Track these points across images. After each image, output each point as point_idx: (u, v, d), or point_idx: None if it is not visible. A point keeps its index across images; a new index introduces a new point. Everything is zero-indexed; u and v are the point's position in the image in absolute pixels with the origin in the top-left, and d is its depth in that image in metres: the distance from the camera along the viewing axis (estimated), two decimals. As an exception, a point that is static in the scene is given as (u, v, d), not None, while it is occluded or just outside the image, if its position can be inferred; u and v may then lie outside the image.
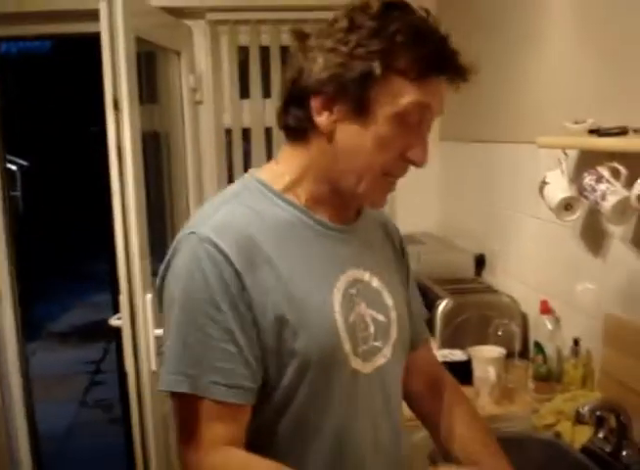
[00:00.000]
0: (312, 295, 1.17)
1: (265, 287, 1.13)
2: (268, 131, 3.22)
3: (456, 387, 1.53)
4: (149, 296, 2.29)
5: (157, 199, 2.79)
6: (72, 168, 10.39)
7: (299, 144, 1.21)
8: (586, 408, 1.69)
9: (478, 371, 2.15)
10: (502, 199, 2.72)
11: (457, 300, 2.48)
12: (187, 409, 1.14)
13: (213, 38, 3.13)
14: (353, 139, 1.15)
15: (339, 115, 1.14)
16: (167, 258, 1.18)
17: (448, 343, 2.38)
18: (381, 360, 1.26)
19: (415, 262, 2.63)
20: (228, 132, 3.22)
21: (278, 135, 3.20)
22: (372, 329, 1.25)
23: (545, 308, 2.28)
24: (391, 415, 1.31)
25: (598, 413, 1.78)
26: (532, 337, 2.36)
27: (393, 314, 1.30)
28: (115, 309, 2.43)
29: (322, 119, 1.15)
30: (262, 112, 3.20)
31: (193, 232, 1.14)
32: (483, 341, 2.30)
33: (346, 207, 1.27)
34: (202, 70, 3.13)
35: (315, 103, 1.14)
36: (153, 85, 2.87)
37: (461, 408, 1.46)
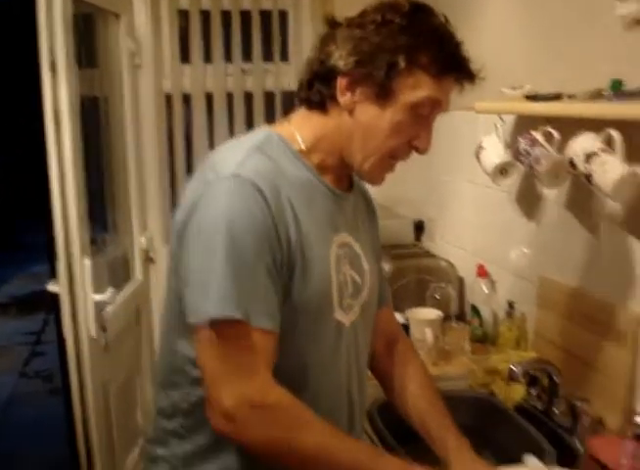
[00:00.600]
0: (317, 250, 1.26)
1: (288, 236, 1.21)
2: (209, 97, 3.19)
3: (411, 346, 1.63)
4: (87, 261, 2.26)
5: (95, 164, 2.74)
6: (6, 134, 10.09)
7: (317, 114, 1.31)
8: (519, 367, 1.74)
9: (415, 333, 2.19)
10: (440, 166, 2.75)
11: (396, 264, 2.52)
12: (235, 340, 1.16)
13: (153, 1, 3.07)
14: (370, 120, 1.26)
15: (361, 96, 1.25)
16: (201, 193, 1.20)
17: (390, 307, 2.41)
18: (354, 317, 1.36)
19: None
20: (168, 97, 3.18)
21: (220, 100, 3.18)
22: (351, 288, 1.35)
23: (481, 272, 2.32)
24: (360, 368, 1.43)
25: (531, 372, 1.84)
26: (469, 300, 2.41)
27: (367, 278, 1.41)
28: (54, 277, 2.40)
29: (345, 98, 1.26)
30: (203, 76, 3.17)
31: (235, 173, 1.18)
32: (422, 304, 2.35)
33: (346, 177, 1.38)
34: (141, 34, 3.06)
35: (341, 83, 1.25)
36: (91, 49, 2.81)
37: (414, 367, 1.56)
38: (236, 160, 1.22)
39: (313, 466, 1.21)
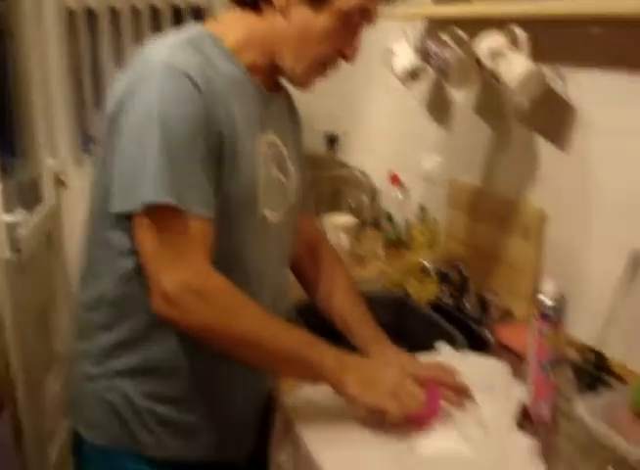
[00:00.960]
0: (246, 145, 1.27)
1: (219, 127, 1.21)
2: (113, 11, 3.10)
3: (337, 256, 1.68)
4: (-4, 180, 2.21)
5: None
6: None
7: (249, 14, 1.30)
8: (431, 263, 1.81)
9: (332, 239, 2.22)
10: (351, 77, 2.75)
11: (311, 175, 2.53)
12: (172, 226, 1.17)
13: None
14: (304, 23, 1.27)
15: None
16: (132, 84, 1.19)
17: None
18: (279, 216, 1.39)
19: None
20: (72, 13, 3.07)
21: (126, 15, 3.09)
22: (277, 188, 1.38)
23: (394, 180, 2.38)
24: (285, 265, 1.49)
25: (442, 269, 1.91)
26: (383, 207, 2.47)
27: (293, 180, 1.44)
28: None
29: (280, 0, 1.26)
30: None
31: (167, 63, 1.18)
32: (338, 213, 2.39)
33: (274, 79, 1.39)
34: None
35: None
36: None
37: (339, 274, 1.62)
38: (167, 50, 1.21)
39: (251, 349, 1.25)
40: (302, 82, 1.36)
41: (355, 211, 2.36)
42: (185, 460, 1.36)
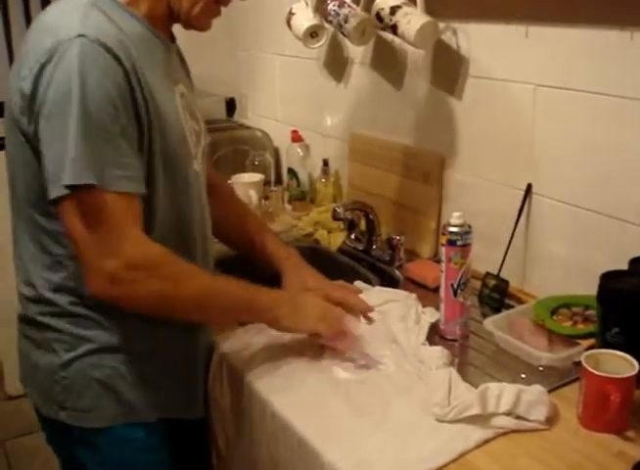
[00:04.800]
0: (166, 103, 1.30)
1: (141, 93, 1.21)
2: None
3: (232, 190, 1.80)
4: None
5: None
6: None
7: None
8: (341, 208, 1.91)
9: (241, 197, 2.29)
10: (247, 41, 2.82)
11: (212, 137, 2.58)
12: (99, 206, 1.17)
13: None
14: None
15: None
16: (45, 60, 1.16)
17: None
18: (200, 164, 1.45)
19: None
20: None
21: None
22: (194, 137, 1.42)
23: (296, 137, 2.47)
24: (207, 210, 1.52)
25: (350, 216, 2.02)
26: (285, 165, 2.55)
27: (202, 125, 1.49)
28: None
29: None
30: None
31: (81, 35, 1.15)
32: (242, 172, 2.46)
33: (170, 28, 1.40)
34: None
35: None
36: None
37: (239, 205, 1.75)
38: (75, 20, 1.18)
39: (198, 311, 1.32)
40: (201, 24, 1.38)
41: (260, 170, 2.44)
42: (168, 418, 1.43)
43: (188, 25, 1.38)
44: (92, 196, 1.17)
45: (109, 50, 1.16)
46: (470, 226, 1.49)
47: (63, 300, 1.31)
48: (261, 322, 1.42)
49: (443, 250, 1.50)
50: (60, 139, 1.15)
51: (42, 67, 1.16)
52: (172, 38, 1.43)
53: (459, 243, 1.48)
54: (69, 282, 1.30)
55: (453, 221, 1.49)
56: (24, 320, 1.39)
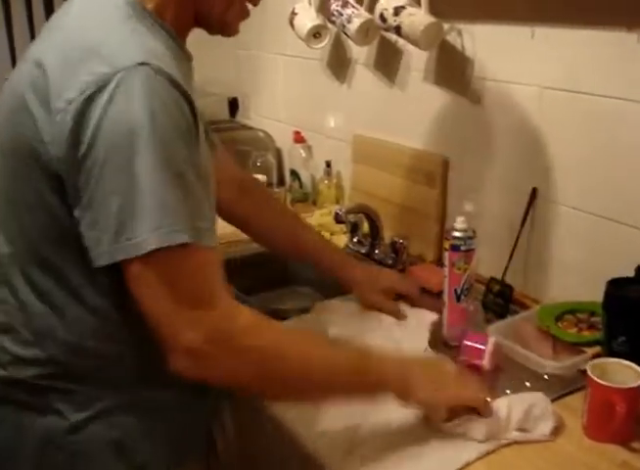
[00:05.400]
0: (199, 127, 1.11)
1: (196, 125, 1.03)
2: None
3: (262, 185, 1.79)
4: None
5: None
6: None
7: None
8: (343, 211, 1.89)
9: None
10: (251, 41, 2.79)
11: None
12: (185, 266, 0.98)
13: None
14: None
15: None
16: (93, 92, 0.95)
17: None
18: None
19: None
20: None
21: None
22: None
23: (298, 138, 2.45)
24: None
25: (352, 219, 2.00)
26: (288, 166, 2.53)
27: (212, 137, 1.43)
28: None
29: None
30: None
31: (143, 63, 0.96)
32: (245, 173, 2.44)
33: (188, 34, 1.22)
34: None
35: None
36: None
37: (280, 205, 1.76)
38: (126, 40, 1.01)
39: (298, 390, 1.12)
40: (233, 29, 1.23)
41: (262, 172, 2.41)
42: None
43: (216, 31, 1.22)
44: (180, 254, 0.96)
45: (176, 84, 0.98)
46: (474, 231, 1.47)
47: (78, 362, 1.11)
48: (384, 396, 1.16)
49: (447, 255, 1.48)
50: (126, 190, 0.94)
51: (89, 100, 0.95)
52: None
53: (463, 248, 1.46)
54: (88, 341, 1.10)
55: (457, 226, 1.47)
56: (9, 383, 1.13)
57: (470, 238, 1.46)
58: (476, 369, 1.40)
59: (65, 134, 0.96)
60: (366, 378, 1.14)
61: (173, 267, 0.97)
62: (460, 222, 1.47)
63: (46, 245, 1.06)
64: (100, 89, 0.95)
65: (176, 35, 1.13)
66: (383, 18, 1.78)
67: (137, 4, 1.07)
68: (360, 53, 2.15)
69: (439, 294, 1.58)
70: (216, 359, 1.01)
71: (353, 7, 1.92)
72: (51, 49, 1.04)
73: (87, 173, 0.95)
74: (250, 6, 1.23)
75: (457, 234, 1.46)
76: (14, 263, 1.10)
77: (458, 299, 1.49)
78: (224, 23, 1.20)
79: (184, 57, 1.17)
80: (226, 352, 1.01)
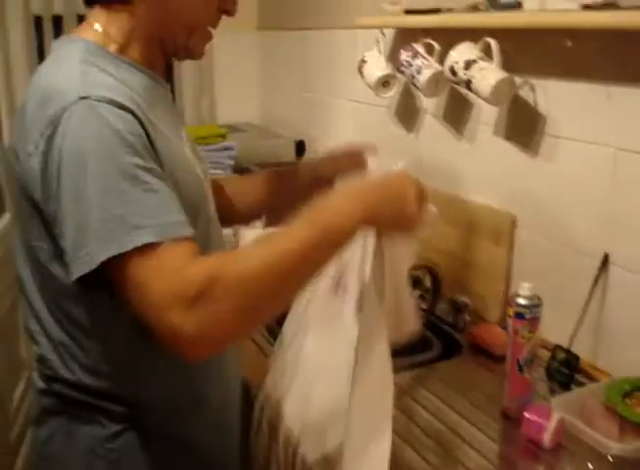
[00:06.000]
0: (180, 153, 1.20)
1: (156, 147, 1.09)
2: (81, 19, 3.07)
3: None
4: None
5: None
6: None
7: (119, 8, 1.18)
8: (405, 267, 1.84)
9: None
10: (320, 85, 2.80)
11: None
12: (155, 263, 1.00)
13: None
14: None
15: None
16: (50, 132, 1.03)
17: (274, 222, 2.46)
18: (213, 206, 1.34)
19: (238, 150, 2.69)
20: (38, 20, 3.05)
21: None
22: (207, 182, 1.32)
23: (364, 186, 2.40)
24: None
25: (414, 274, 1.95)
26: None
27: (206, 166, 1.39)
28: None
29: None
30: (74, -3, 3.05)
31: (84, 97, 1.03)
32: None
33: (163, 66, 1.30)
34: (5, -49, 2.92)
35: None
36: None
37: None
38: (74, 81, 1.07)
39: (287, 284, 1.08)
40: (199, 53, 1.29)
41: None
42: None
43: (182, 58, 1.32)
44: (148, 255, 1.00)
45: (119, 105, 1.05)
46: (539, 298, 1.40)
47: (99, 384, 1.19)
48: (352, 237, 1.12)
49: (510, 322, 1.42)
50: (81, 207, 1.01)
51: (49, 140, 1.03)
52: (165, 76, 1.33)
53: (527, 316, 1.40)
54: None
55: (522, 293, 1.40)
56: (60, 397, 1.22)
57: (535, 306, 1.40)
58: (535, 445, 1.33)
59: (37, 176, 1.06)
60: (322, 242, 1.08)
61: (138, 268, 1.00)
62: (525, 289, 1.40)
63: (55, 282, 1.14)
64: (55, 128, 1.03)
65: (146, 69, 1.21)
66: (453, 71, 1.74)
67: (98, 49, 1.16)
68: (429, 103, 2.10)
69: (501, 358, 1.52)
70: (208, 312, 0.99)
71: (423, 58, 1.88)
72: (28, 96, 1.13)
73: (58, 204, 1.03)
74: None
75: (522, 301, 1.40)
76: (38, 297, 1.20)
77: (521, 369, 1.42)
78: (188, 50, 1.27)
79: (159, 88, 1.25)
80: (204, 310, 0.99)
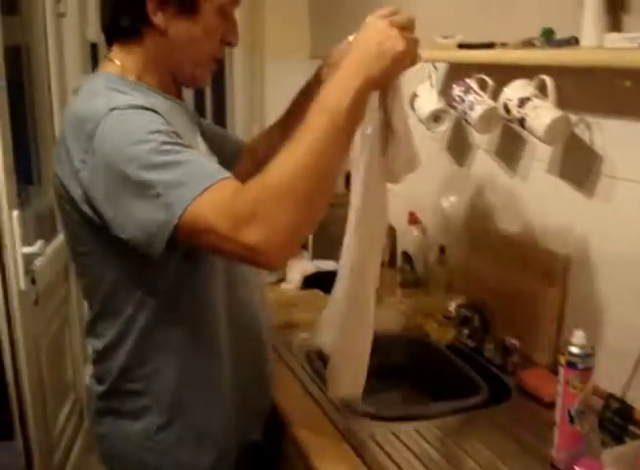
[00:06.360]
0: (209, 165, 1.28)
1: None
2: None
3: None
4: (15, 212, 2.21)
5: (19, 114, 2.66)
6: None
7: (133, 43, 1.36)
8: (452, 307, 1.80)
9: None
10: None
11: (328, 213, 2.53)
12: (214, 199, 1.15)
13: (76, -54, 2.98)
14: (187, 33, 1.35)
15: (171, 14, 1.33)
16: (88, 146, 1.21)
17: (321, 254, 2.45)
18: None
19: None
20: (94, 46, 3.10)
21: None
22: None
23: (413, 219, 2.38)
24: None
25: (462, 313, 1.91)
26: (400, 247, 2.46)
27: None
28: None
29: (157, 19, 1.33)
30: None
31: (113, 108, 1.21)
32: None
33: (178, 91, 1.47)
34: (64, -19, 2.97)
35: (150, 5, 1.31)
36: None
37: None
38: (101, 101, 1.25)
39: (317, 173, 1.16)
40: (203, 81, 1.46)
41: (373, 251, 2.36)
42: None
43: (191, 86, 1.51)
44: (205, 198, 1.15)
45: (143, 107, 1.23)
46: (593, 348, 1.35)
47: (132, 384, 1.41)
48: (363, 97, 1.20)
49: (561, 371, 1.36)
50: (146, 178, 1.17)
51: (91, 151, 1.21)
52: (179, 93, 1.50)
53: (580, 366, 1.34)
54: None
55: (575, 341, 1.35)
56: (108, 394, 1.44)
57: (588, 356, 1.34)
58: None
59: (87, 184, 1.23)
60: (334, 121, 1.16)
61: (200, 211, 1.14)
62: (578, 337, 1.35)
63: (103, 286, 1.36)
64: (93, 139, 1.20)
65: (162, 91, 1.39)
66: (506, 108, 1.70)
67: (118, 78, 1.34)
68: (482, 138, 2.07)
69: (551, 405, 1.46)
70: (264, 215, 1.12)
71: (476, 93, 1.85)
72: (64, 124, 1.32)
73: (100, 200, 1.22)
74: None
75: (574, 350, 1.35)
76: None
77: (571, 420, 1.37)
78: (195, 79, 1.44)
79: (179, 108, 1.44)
80: (263, 221, 1.12)
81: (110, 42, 1.40)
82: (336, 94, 1.18)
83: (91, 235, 1.30)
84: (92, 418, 1.52)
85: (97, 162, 1.20)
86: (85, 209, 1.26)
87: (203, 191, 1.14)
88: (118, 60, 1.37)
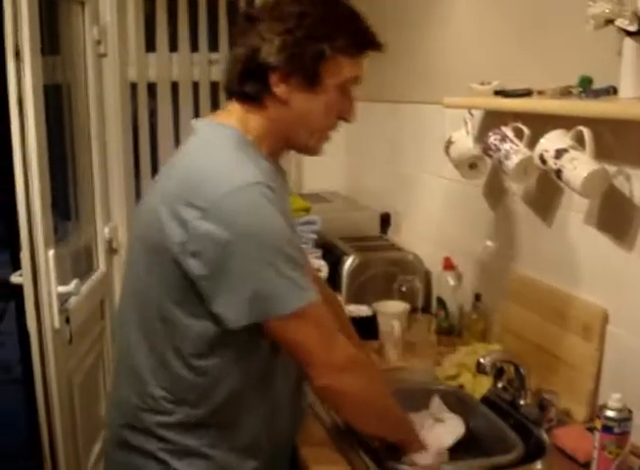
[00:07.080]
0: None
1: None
2: (174, 86, 3.17)
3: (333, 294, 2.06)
4: (51, 251, 2.22)
5: (58, 152, 2.70)
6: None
7: (255, 107, 1.45)
8: (487, 359, 1.75)
9: (382, 325, 2.20)
10: (408, 159, 2.76)
11: (363, 256, 2.52)
12: (319, 315, 1.39)
13: (118, -12, 3.04)
14: (307, 105, 1.43)
15: (294, 86, 1.40)
16: (219, 204, 1.29)
17: (354, 298, 2.42)
18: None
19: (322, 221, 2.67)
20: (133, 86, 3.15)
21: (185, 89, 3.17)
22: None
23: (448, 265, 2.34)
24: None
25: (498, 365, 1.86)
26: (435, 293, 2.43)
27: None
28: (15, 267, 2.36)
29: (280, 90, 1.40)
30: (169, 65, 3.15)
31: (259, 182, 1.32)
32: (388, 297, 2.36)
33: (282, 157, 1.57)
34: (106, 22, 3.02)
35: (274, 77, 1.40)
36: (55, 36, 2.76)
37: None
38: (232, 165, 1.36)
39: (378, 415, 1.56)
40: (318, 151, 1.54)
41: (407, 296, 2.33)
42: None
43: (303, 153, 1.60)
44: (313, 308, 1.36)
45: (273, 189, 1.35)
46: (630, 411, 1.31)
47: (182, 411, 1.43)
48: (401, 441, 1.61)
49: (597, 435, 1.32)
50: (272, 273, 1.31)
51: (218, 209, 1.29)
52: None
53: (616, 430, 1.30)
54: (189, 395, 1.42)
55: (611, 404, 1.32)
56: (132, 429, 1.47)
57: (625, 420, 1.30)
58: None
59: (198, 236, 1.30)
60: (401, 428, 1.61)
61: (313, 316, 1.37)
62: (615, 401, 1.31)
63: (167, 306, 1.40)
64: (219, 208, 1.29)
65: (271, 158, 1.48)
66: (543, 159, 1.67)
67: (245, 139, 1.43)
68: (518, 186, 2.03)
69: (586, 465, 1.42)
70: (353, 374, 1.44)
71: (512, 142, 1.82)
72: (171, 172, 1.43)
73: (227, 261, 1.30)
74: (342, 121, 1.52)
75: (610, 414, 1.31)
76: (137, 328, 1.47)
77: (607, 487, 1.32)
78: (309, 148, 1.53)
79: (278, 173, 1.52)
80: (356, 371, 1.45)
81: (230, 94, 1.49)
82: (402, 430, 1.62)
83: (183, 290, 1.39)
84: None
85: (225, 221, 1.29)
86: (187, 265, 1.33)
87: (312, 303, 1.36)
88: (238, 116, 1.46)
